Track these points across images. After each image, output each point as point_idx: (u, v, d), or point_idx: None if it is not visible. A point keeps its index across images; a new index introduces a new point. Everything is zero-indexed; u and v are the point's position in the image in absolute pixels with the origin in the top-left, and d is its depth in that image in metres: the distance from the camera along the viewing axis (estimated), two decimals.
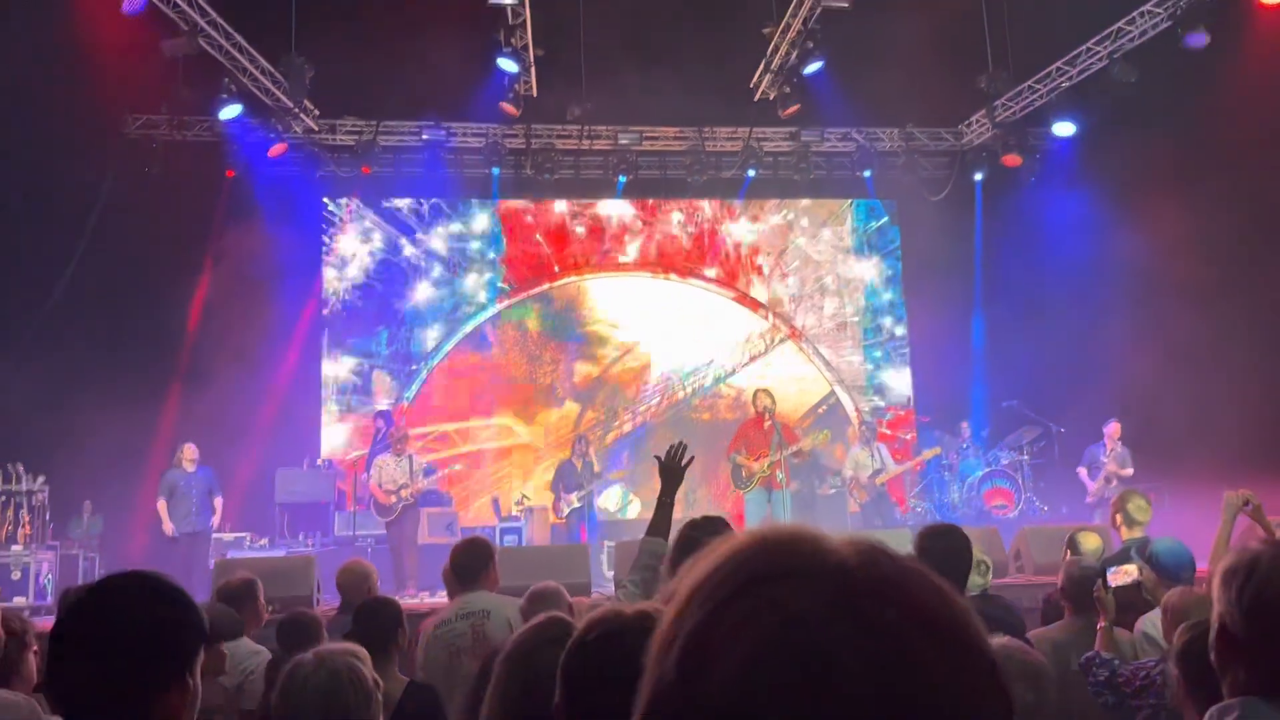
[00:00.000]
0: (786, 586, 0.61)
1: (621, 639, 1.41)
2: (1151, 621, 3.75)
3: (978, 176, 12.96)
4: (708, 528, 2.83)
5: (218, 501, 10.29)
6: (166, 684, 1.62)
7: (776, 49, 11.19)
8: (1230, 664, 1.62)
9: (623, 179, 12.93)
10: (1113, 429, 10.70)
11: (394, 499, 9.96)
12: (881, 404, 13.88)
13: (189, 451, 10.18)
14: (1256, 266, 10.21)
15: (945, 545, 3.40)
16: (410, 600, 8.41)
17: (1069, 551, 4.62)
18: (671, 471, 3.46)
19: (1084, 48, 11.33)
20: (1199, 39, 9.88)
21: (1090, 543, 4.71)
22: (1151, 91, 10.76)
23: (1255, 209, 10.10)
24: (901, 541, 4.98)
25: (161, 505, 10.03)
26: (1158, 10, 10.50)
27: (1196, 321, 10.63)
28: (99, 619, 1.64)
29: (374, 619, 3.69)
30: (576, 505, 10.31)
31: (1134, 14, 10.71)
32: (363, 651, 2.31)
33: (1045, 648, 3.40)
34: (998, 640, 2.34)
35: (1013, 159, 12.19)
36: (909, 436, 13.49)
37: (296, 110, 11.38)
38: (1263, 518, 4.49)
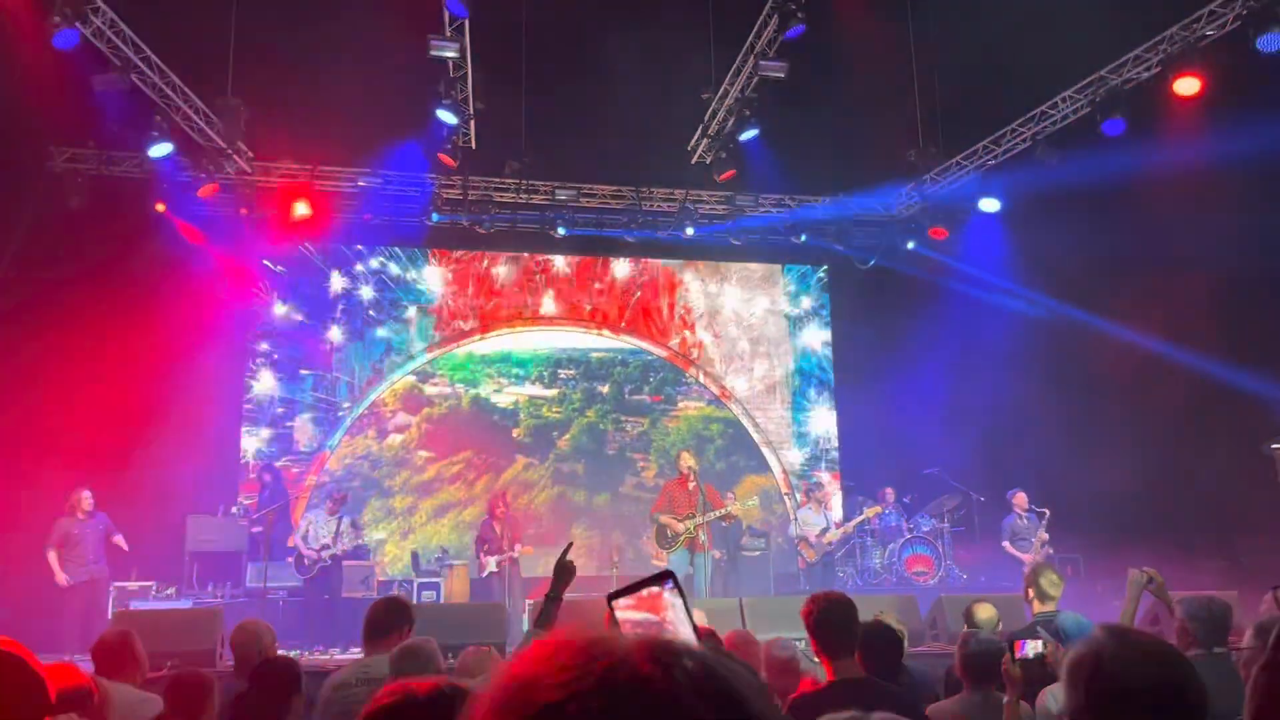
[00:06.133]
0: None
1: (402, 715, 1.41)
2: (1054, 695, 3.77)
3: (910, 245, 13.19)
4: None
5: (119, 539, 9.76)
6: None
7: (714, 115, 11.39)
8: None
9: (563, 230, 12.89)
10: (1019, 499, 10.92)
11: (314, 558, 9.91)
12: (808, 467, 13.96)
13: (85, 501, 9.62)
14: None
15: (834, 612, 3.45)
16: (321, 656, 8.19)
17: (966, 624, 4.66)
18: (564, 568, 3.46)
19: (1009, 128, 11.72)
20: (1117, 126, 10.27)
21: (984, 613, 4.76)
22: (1075, 172, 11.12)
23: (1172, 293, 10.43)
24: None
25: (52, 556, 9.40)
26: (1079, 96, 10.92)
27: (1112, 398, 10.93)
28: None
29: (268, 681, 3.60)
30: (495, 570, 10.13)
31: (1056, 99, 11.12)
32: None
33: None
34: (878, 717, 2.31)
35: (940, 232, 12.48)
36: (835, 498, 13.58)
37: (230, 151, 11.24)
38: (1165, 594, 4.58)
